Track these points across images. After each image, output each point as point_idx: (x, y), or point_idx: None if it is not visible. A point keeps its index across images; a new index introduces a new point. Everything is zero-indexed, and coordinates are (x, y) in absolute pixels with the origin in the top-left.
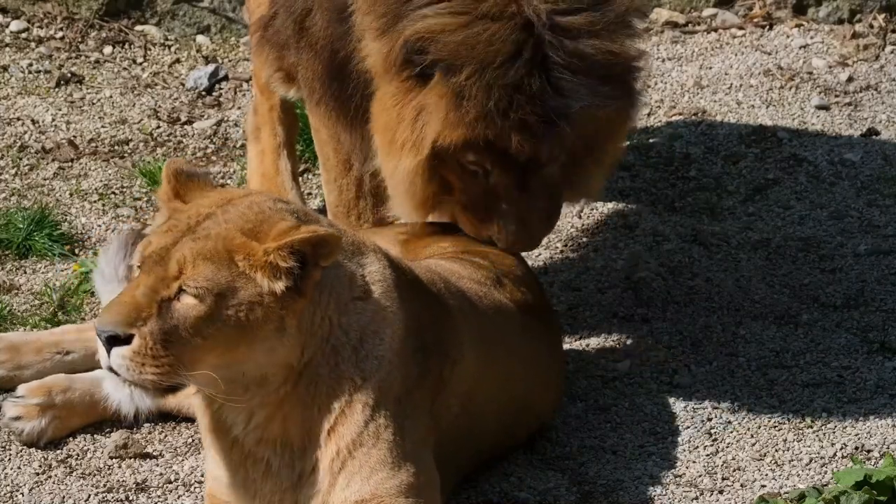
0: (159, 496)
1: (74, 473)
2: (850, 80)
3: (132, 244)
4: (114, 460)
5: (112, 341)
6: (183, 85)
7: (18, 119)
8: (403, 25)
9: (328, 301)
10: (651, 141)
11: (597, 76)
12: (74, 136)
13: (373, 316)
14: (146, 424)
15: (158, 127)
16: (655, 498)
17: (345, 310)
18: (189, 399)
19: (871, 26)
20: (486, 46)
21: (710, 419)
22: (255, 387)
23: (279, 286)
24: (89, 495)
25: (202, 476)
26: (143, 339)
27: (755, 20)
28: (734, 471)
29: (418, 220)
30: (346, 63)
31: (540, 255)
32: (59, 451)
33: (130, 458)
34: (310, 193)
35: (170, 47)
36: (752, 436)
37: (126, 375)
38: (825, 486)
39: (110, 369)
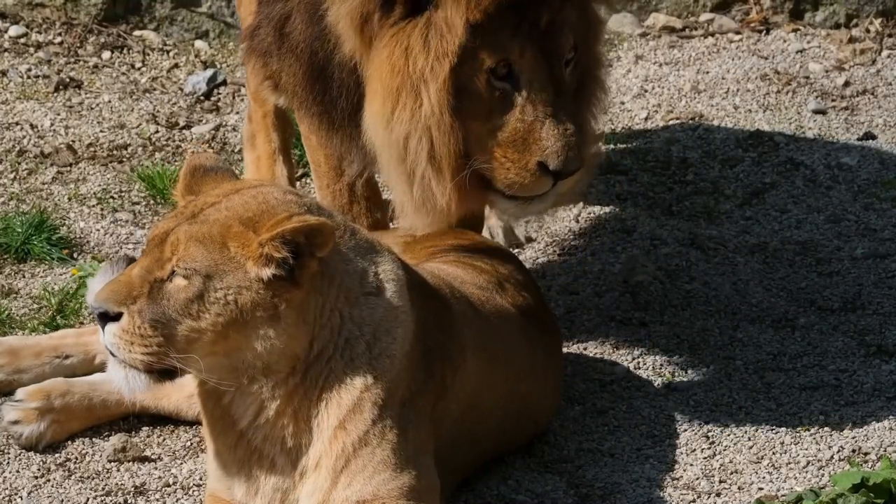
0: (158, 499)
1: (73, 477)
2: (846, 84)
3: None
4: (112, 464)
5: (104, 318)
6: (181, 90)
7: (17, 124)
8: None
9: (337, 294)
10: (648, 145)
11: None
12: (73, 141)
13: (385, 313)
14: (145, 428)
15: (157, 131)
16: (653, 501)
17: (356, 303)
18: (189, 400)
19: (868, 31)
20: None
21: (707, 422)
22: (261, 376)
23: (266, 273)
24: (88, 499)
25: (201, 479)
26: (131, 317)
27: (752, 25)
28: (731, 473)
29: (445, 208)
30: (327, 63)
31: (538, 258)
32: (57, 455)
33: (129, 461)
34: None
35: (168, 52)
36: (749, 439)
37: (117, 353)
38: (822, 488)
39: (107, 348)
